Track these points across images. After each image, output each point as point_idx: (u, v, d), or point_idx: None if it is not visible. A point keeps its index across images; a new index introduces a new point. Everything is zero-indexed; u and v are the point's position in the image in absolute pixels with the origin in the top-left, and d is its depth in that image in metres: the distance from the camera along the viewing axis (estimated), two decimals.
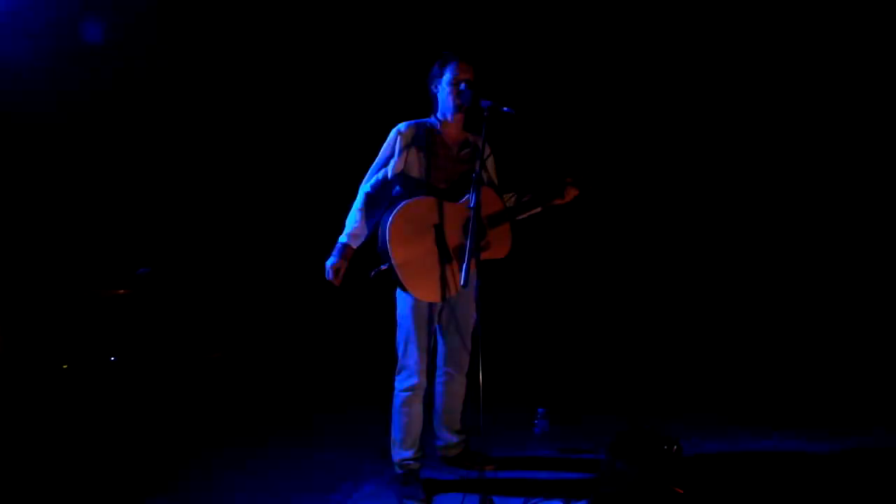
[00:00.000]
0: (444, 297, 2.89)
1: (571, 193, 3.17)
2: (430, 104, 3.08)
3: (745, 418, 3.86)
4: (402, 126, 2.99)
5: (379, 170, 2.98)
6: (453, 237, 2.90)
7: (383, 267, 2.87)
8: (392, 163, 2.94)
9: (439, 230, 2.88)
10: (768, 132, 5.30)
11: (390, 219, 2.82)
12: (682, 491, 2.50)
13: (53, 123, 4.93)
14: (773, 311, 5.27)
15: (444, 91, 2.97)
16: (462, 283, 2.58)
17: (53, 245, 4.92)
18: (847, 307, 5.10)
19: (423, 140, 2.95)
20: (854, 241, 5.16)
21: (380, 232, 2.87)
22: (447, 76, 2.95)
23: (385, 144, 2.99)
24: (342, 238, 2.94)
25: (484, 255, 2.98)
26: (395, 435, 3.02)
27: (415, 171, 2.94)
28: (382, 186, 2.97)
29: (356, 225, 2.93)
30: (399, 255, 2.81)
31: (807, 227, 5.26)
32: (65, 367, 4.58)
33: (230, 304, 5.44)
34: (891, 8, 4.78)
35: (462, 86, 2.92)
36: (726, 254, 5.44)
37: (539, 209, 3.18)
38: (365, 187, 2.97)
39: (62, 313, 4.68)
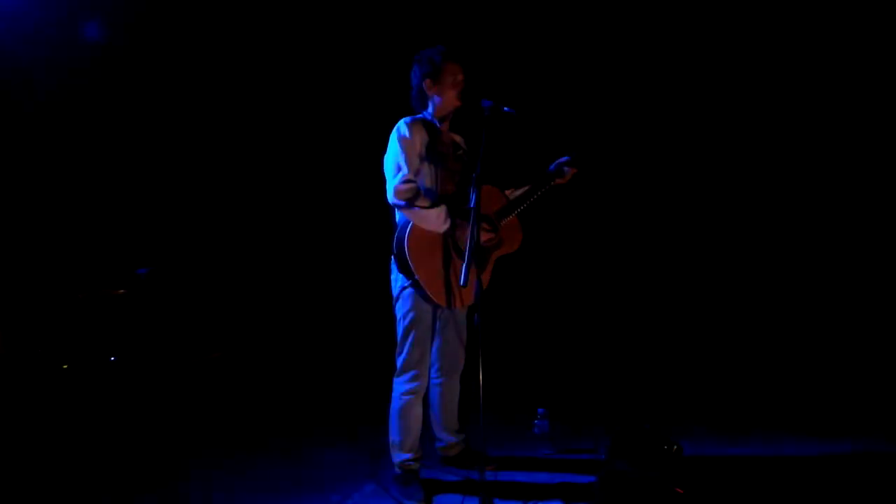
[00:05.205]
0: (452, 305, 2.88)
1: (571, 172, 3.10)
2: (410, 98, 2.99)
3: (746, 418, 3.86)
4: (408, 120, 2.86)
5: (398, 171, 2.80)
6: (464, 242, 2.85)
7: (406, 284, 2.87)
8: (409, 161, 2.80)
9: (451, 238, 2.87)
10: (768, 135, 5.30)
11: (406, 236, 2.78)
12: (682, 491, 2.50)
13: (53, 123, 4.93)
14: (774, 313, 5.26)
15: (445, 90, 2.89)
16: (462, 282, 2.56)
17: (53, 245, 4.92)
18: (844, 309, 5.10)
19: (429, 138, 2.86)
20: (851, 243, 5.15)
21: (397, 249, 2.84)
22: (449, 76, 2.88)
23: (396, 143, 2.83)
24: (444, 227, 2.81)
25: (498, 253, 2.97)
26: (395, 437, 2.99)
27: (425, 171, 2.86)
28: (409, 184, 2.78)
29: (427, 215, 2.78)
30: (422, 272, 2.79)
31: (802, 230, 5.25)
32: (65, 367, 4.58)
33: (230, 305, 5.44)
34: (891, 8, 4.78)
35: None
36: (725, 254, 5.44)
37: (542, 191, 3.06)
38: (396, 196, 2.78)
39: (62, 313, 4.68)
